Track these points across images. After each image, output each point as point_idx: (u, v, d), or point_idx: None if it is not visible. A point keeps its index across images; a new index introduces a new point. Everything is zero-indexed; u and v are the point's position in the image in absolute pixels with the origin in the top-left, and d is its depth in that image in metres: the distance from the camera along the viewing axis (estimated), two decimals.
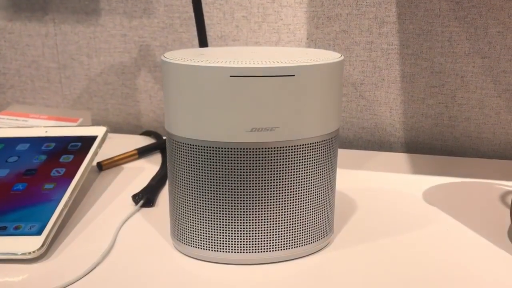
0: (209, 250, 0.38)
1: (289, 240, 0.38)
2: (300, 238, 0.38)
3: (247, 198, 0.36)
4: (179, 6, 0.69)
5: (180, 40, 0.71)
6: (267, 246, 0.38)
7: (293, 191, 0.37)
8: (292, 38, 0.67)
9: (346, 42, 0.65)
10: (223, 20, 0.68)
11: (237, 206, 0.36)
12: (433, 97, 0.65)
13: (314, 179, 0.37)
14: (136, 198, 0.48)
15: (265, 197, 0.36)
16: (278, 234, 0.37)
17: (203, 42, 0.57)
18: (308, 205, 0.38)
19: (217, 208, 0.37)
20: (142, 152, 0.62)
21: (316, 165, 0.37)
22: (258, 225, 0.37)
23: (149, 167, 0.58)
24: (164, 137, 0.67)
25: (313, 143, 0.36)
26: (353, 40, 0.65)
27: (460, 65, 0.63)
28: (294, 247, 0.38)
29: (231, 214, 0.37)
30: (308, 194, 0.37)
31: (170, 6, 0.70)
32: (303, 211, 0.38)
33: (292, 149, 0.36)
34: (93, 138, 0.52)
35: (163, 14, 0.70)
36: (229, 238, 0.37)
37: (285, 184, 0.36)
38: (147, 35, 0.72)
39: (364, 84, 0.67)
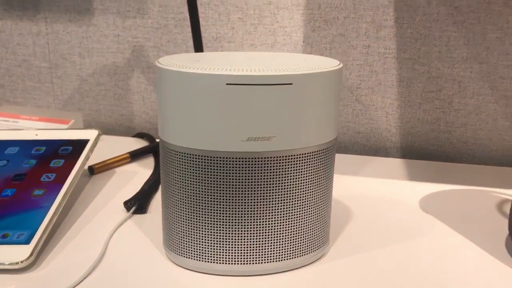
0: (202, 261, 0.37)
1: (285, 251, 0.37)
2: (296, 249, 0.37)
3: (242, 208, 0.35)
4: (173, 7, 0.68)
5: (175, 41, 0.70)
6: (262, 257, 0.37)
7: (289, 202, 0.36)
8: (288, 41, 0.66)
9: (343, 46, 0.65)
10: (218, 21, 0.67)
11: (232, 216, 0.36)
12: (430, 102, 0.65)
13: (310, 189, 0.36)
14: (128, 204, 0.47)
15: (260, 207, 0.36)
16: (274, 245, 0.37)
17: (198, 44, 0.56)
18: (304, 215, 0.37)
19: (211, 218, 0.36)
20: (135, 156, 0.61)
21: (313, 175, 0.36)
22: (253, 235, 0.36)
23: (141, 171, 0.57)
24: (157, 140, 0.66)
25: (310, 153, 0.36)
26: (350, 44, 0.64)
27: (458, 70, 0.63)
28: (290, 258, 0.37)
29: (225, 224, 0.36)
30: (305, 204, 0.37)
31: (164, 7, 0.69)
32: (299, 222, 0.37)
33: (289, 159, 0.35)
34: (85, 142, 0.51)
35: (157, 14, 0.69)
36: (223, 249, 0.36)
37: (281, 194, 0.36)
38: (140, 36, 0.71)
39: (361, 88, 0.66)
